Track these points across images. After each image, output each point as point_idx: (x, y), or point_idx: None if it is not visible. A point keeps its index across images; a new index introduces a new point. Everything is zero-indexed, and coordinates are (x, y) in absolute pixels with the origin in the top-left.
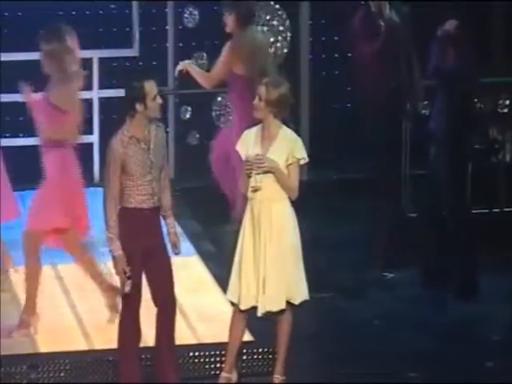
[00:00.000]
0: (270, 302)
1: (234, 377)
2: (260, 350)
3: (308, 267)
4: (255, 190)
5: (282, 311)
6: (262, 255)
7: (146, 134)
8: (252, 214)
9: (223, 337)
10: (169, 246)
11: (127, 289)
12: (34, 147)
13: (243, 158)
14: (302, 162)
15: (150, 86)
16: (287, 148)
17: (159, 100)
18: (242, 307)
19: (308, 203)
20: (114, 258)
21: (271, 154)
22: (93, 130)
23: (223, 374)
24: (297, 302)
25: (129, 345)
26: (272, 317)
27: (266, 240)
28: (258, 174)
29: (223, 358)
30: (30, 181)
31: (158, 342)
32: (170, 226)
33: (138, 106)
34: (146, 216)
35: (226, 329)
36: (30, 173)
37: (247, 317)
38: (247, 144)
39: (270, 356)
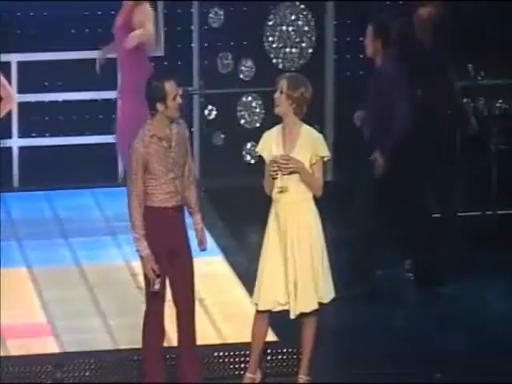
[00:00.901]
0: (303, 303)
1: (258, 377)
2: (284, 350)
3: (332, 267)
4: (282, 191)
5: (310, 312)
6: (291, 258)
7: (167, 132)
8: (277, 217)
9: (248, 337)
10: (194, 244)
11: (157, 287)
12: (59, 147)
13: (266, 160)
14: (325, 160)
15: (171, 86)
16: (311, 147)
17: (179, 100)
18: (260, 308)
19: (333, 204)
20: (141, 257)
21: (296, 155)
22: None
23: (248, 375)
24: (326, 300)
25: (153, 344)
26: (300, 317)
27: (293, 242)
28: (285, 174)
29: (248, 358)
30: (56, 181)
31: (179, 342)
32: (197, 223)
33: (159, 106)
34: (170, 215)
35: (251, 329)
36: (56, 173)
37: (269, 317)
38: (269, 145)
39: (295, 356)
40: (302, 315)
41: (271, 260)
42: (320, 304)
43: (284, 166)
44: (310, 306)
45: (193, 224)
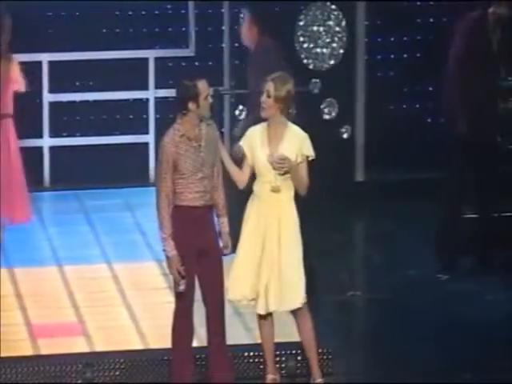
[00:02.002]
0: (287, 301)
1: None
2: None
3: (362, 267)
4: (275, 191)
5: (300, 314)
6: (269, 256)
7: (197, 132)
8: (259, 214)
9: (279, 336)
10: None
11: (182, 288)
12: (90, 147)
13: (248, 156)
14: (310, 159)
15: (203, 85)
16: (296, 146)
17: (210, 99)
18: (229, 297)
19: (364, 204)
20: (168, 257)
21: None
22: (148, 129)
23: (270, 376)
24: (303, 301)
25: (181, 344)
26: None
27: (273, 241)
28: (280, 174)
29: (277, 358)
30: (87, 180)
31: (208, 342)
32: (223, 226)
33: (191, 105)
34: (199, 214)
35: (281, 328)
36: (87, 172)
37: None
38: (253, 143)
39: (325, 356)
40: (296, 318)
41: (244, 254)
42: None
43: (280, 166)
44: (292, 304)
45: (218, 226)
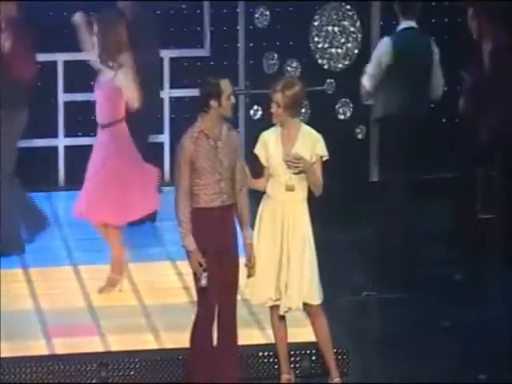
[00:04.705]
0: (289, 300)
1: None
2: None
3: (376, 267)
4: (290, 189)
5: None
6: (285, 256)
7: (216, 132)
8: (273, 214)
9: (293, 336)
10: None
11: (204, 282)
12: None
13: (263, 160)
14: (324, 159)
15: (226, 84)
16: (309, 147)
17: (233, 99)
18: (253, 302)
19: (379, 203)
20: (188, 252)
21: None
22: (163, 129)
23: (284, 376)
24: (317, 302)
25: (201, 347)
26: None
27: (288, 241)
28: (295, 173)
29: (292, 359)
30: None
31: (218, 340)
32: (246, 238)
33: (213, 103)
34: (216, 215)
35: (296, 328)
36: None
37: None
38: (267, 146)
39: (339, 356)
40: (312, 319)
41: (264, 256)
42: (310, 306)
43: (295, 165)
44: (295, 304)
45: (242, 239)
